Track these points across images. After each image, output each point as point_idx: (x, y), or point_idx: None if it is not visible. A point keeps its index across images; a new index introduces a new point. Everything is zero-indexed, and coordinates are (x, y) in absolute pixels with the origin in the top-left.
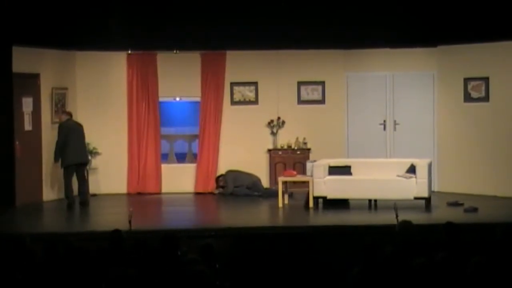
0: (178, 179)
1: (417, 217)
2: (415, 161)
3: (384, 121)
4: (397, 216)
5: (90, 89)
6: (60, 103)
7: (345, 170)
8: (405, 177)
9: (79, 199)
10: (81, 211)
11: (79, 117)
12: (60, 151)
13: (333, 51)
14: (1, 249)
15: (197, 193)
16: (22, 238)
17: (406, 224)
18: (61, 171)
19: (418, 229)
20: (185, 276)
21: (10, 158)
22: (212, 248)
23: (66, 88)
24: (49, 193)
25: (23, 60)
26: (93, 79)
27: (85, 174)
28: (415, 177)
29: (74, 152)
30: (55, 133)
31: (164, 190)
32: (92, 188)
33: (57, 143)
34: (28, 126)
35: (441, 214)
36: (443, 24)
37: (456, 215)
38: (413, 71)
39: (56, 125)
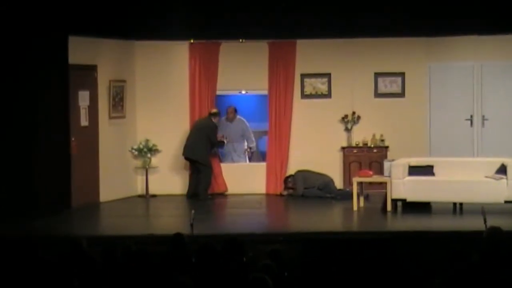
0: (246, 179)
1: (508, 223)
2: (506, 160)
3: (471, 116)
4: (485, 221)
5: (149, 82)
6: (118, 97)
7: (427, 170)
8: (495, 178)
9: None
10: (140, 213)
11: (137, 112)
12: None
13: (413, 39)
14: (57, 253)
15: (268, 195)
16: (78, 241)
17: (495, 231)
18: (118, 170)
19: (508, 236)
20: (248, 285)
21: (66, 156)
22: (280, 254)
23: (124, 81)
24: (107, 193)
25: (80, 51)
26: (153, 71)
27: (197, 171)
28: (506, 178)
29: (184, 147)
30: (113, 129)
31: (231, 191)
32: (152, 188)
33: None
34: (84, 122)
35: None
36: None
37: None
38: (504, 60)
39: (113, 120)
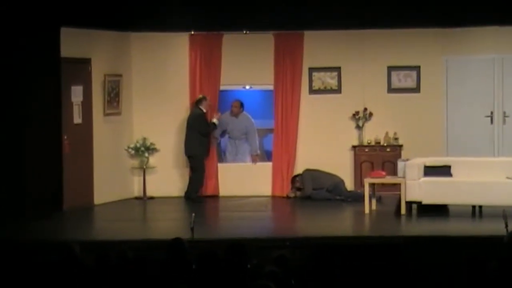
0: (251, 180)
1: None
2: None
3: (491, 112)
4: (506, 225)
5: (147, 76)
6: (113, 92)
7: (443, 170)
8: None
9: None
10: (137, 217)
11: (134, 108)
12: None
13: (429, 30)
14: (48, 259)
15: (274, 197)
16: (71, 246)
17: None
18: (114, 171)
19: None
20: None
21: (58, 156)
22: (287, 260)
23: (120, 75)
24: (101, 195)
25: (73, 43)
26: (151, 65)
27: (192, 168)
28: None
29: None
30: (108, 127)
31: (234, 192)
32: (149, 190)
33: None
34: (77, 119)
35: None
36: None
37: None
38: None
39: (109, 117)
